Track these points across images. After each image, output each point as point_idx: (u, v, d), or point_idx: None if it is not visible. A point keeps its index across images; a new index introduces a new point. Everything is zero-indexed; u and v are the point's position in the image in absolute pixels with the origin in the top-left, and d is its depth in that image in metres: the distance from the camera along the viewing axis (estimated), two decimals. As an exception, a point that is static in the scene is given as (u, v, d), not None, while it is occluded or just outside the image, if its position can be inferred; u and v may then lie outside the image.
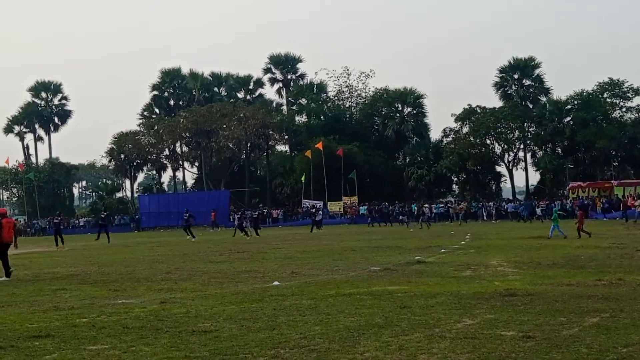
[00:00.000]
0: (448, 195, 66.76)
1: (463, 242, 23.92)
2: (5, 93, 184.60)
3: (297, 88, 70.63)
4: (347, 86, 68.25)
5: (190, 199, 60.96)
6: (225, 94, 75.38)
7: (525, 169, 61.93)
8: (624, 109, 59.64)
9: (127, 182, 78.44)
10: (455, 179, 64.87)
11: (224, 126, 64.67)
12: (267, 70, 72.26)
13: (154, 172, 79.94)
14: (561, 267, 14.43)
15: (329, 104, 68.65)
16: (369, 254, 19.77)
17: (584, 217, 25.78)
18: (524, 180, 63.93)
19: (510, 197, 59.64)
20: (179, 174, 77.23)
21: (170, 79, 74.13)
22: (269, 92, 74.13)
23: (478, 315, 8.49)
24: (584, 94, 59.34)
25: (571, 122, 58.45)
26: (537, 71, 62.55)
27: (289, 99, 71.96)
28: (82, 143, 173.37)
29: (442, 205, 53.80)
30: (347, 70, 68.24)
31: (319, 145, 57.21)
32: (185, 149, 72.38)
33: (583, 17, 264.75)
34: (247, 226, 35.75)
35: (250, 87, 74.30)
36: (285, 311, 9.22)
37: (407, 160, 65.82)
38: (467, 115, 61.05)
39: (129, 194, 79.18)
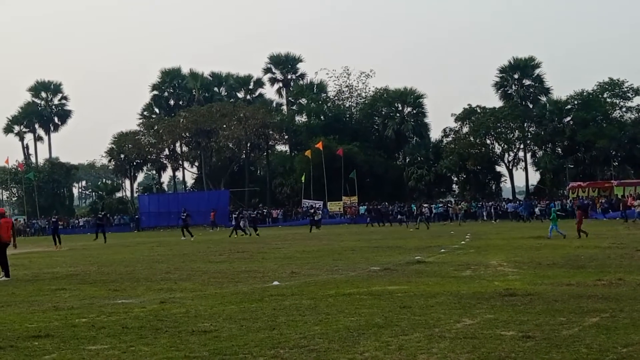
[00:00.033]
0: (448, 195, 66.73)
1: (463, 242, 23.91)
2: (5, 93, 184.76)
3: (297, 88, 70.63)
4: (347, 86, 68.34)
5: (190, 199, 61.04)
6: (225, 93, 75.37)
7: (525, 169, 62.00)
8: (624, 109, 59.73)
9: (127, 182, 78.51)
10: (455, 179, 64.87)
11: (224, 126, 64.66)
12: (267, 70, 72.27)
13: (154, 172, 79.96)
14: (561, 267, 14.43)
15: (329, 104, 68.65)
16: (368, 253, 19.77)
17: (582, 217, 25.75)
18: (524, 180, 64.05)
19: (510, 197, 59.61)
20: (179, 174, 77.37)
21: (170, 79, 74.11)
22: (269, 92, 74.25)
23: (478, 315, 8.49)
24: (584, 93, 59.35)
25: (571, 122, 58.46)
26: (537, 71, 62.56)
27: (289, 98, 71.96)
28: (82, 143, 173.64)
29: (441, 205, 53.80)
30: (347, 70, 68.36)
31: (319, 145, 57.20)
32: (185, 148, 72.38)
33: (583, 17, 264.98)
34: (246, 225, 35.74)
35: (250, 87, 74.29)
36: (285, 311, 9.21)
37: (407, 160, 65.82)
38: (467, 115, 61.05)
39: (128, 193, 79.27)
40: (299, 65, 72.30)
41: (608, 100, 59.72)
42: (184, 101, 74.64)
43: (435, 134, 67.25)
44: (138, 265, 18.35)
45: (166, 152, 71.35)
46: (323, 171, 56.33)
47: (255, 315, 8.99)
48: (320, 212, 49.08)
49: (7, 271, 15.52)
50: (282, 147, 73.86)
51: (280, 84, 72.41)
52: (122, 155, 70.11)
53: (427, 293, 10.64)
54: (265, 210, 59.30)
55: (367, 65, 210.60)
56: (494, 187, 63.54)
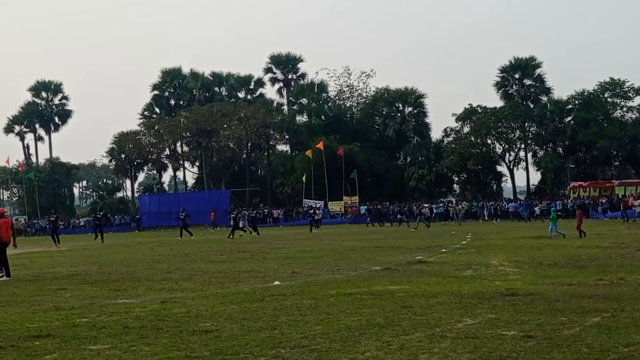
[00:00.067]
0: (449, 195, 66.75)
1: (464, 242, 23.90)
2: (5, 93, 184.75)
3: (297, 88, 70.65)
4: (347, 86, 68.40)
5: (191, 199, 61.06)
6: (226, 93, 75.39)
7: (526, 168, 61.99)
8: (625, 109, 59.72)
9: (128, 182, 78.57)
10: (456, 178, 64.89)
11: (225, 126, 64.69)
12: (267, 70, 72.32)
13: (155, 171, 79.99)
14: (562, 266, 14.42)
15: (329, 104, 68.67)
16: (369, 253, 19.76)
17: (582, 217, 25.73)
18: (525, 180, 64.09)
19: (511, 197, 59.60)
20: (180, 174, 77.41)
21: (171, 79, 74.15)
22: (270, 91, 74.32)
23: (479, 314, 8.49)
24: (585, 93, 59.36)
25: (572, 122, 58.45)
26: (538, 71, 62.57)
27: (290, 98, 71.99)
28: (82, 143, 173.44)
29: (441, 205, 53.80)
30: (348, 70, 68.43)
31: (320, 145, 57.20)
32: (185, 148, 72.39)
33: (583, 17, 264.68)
34: (246, 225, 35.73)
35: (251, 86, 74.32)
36: (286, 311, 9.21)
37: (408, 160, 65.87)
38: (468, 115, 61.07)
39: (129, 193, 79.32)
40: (300, 65, 72.45)
41: (609, 100, 59.71)
42: (184, 101, 74.68)
43: (436, 134, 67.46)
44: (139, 265, 18.36)
45: (167, 152, 71.40)
46: (324, 171, 56.35)
47: (256, 315, 8.99)
48: (320, 212, 49.08)
49: (8, 271, 15.53)
50: (282, 147, 74.00)
51: (281, 84, 72.46)
52: (123, 155, 70.16)
53: (428, 293, 10.64)
54: (266, 210, 59.31)
55: (368, 65, 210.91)
56: (495, 187, 63.55)
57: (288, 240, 29.39)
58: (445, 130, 63.62)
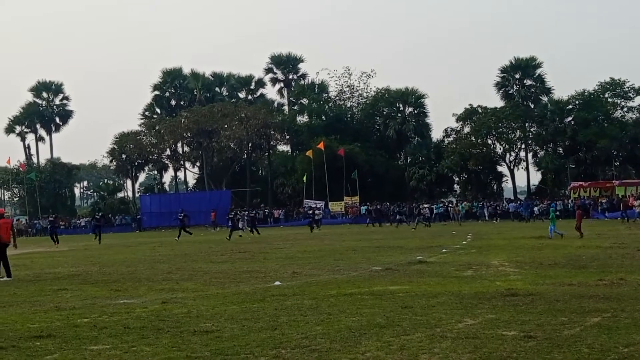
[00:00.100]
0: (449, 195, 66.73)
1: (464, 242, 23.91)
2: (6, 93, 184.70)
3: (298, 88, 70.64)
4: (348, 86, 68.34)
5: (192, 199, 61.08)
6: (227, 94, 75.35)
7: (527, 168, 61.94)
8: (625, 109, 59.64)
9: (129, 182, 78.60)
10: (457, 179, 64.84)
11: (226, 126, 64.65)
12: (268, 70, 72.28)
13: (155, 172, 79.98)
14: (562, 267, 14.43)
15: (330, 104, 68.63)
16: (370, 253, 19.77)
17: (582, 217, 25.71)
18: (526, 180, 64.06)
19: (512, 197, 59.59)
20: (180, 174, 77.37)
21: (172, 79, 74.12)
22: (271, 92, 74.21)
23: (479, 315, 8.49)
24: (585, 93, 59.31)
25: (572, 122, 58.40)
26: (538, 71, 62.50)
27: (291, 99, 71.96)
28: (83, 143, 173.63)
29: (441, 205, 53.76)
30: (348, 70, 68.36)
31: (321, 145, 57.19)
32: (186, 149, 72.36)
33: (584, 17, 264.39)
34: (245, 226, 35.56)
35: (252, 87, 74.25)
36: (286, 311, 9.22)
37: (408, 160, 65.83)
38: (469, 115, 61.04)
39: (130, 194, 79.36)
40: (300, 65, 72.39)
41: (609, 100, 59.66)
42: (185, 101, 74.65)
43: (436, 134, 67.34)
44: (140, 266, 18.37)
45: (167, 152, 71.38)
46: (324, 171, 56.35)
47: (256, 315, 9.00)
48: (320, 212, 49.05)
49: (9, 271, 15.54)
50: (283, 147, 73.92)
51: (282, 84, 72.44)
52: (124, 156, 70.15)
53: (429, 293, 10.65)
54: (266, 211, 59.31)
55: (368, 65, 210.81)
56: (495, 187, 63.53)
57: (289, 241, 29.40)
58: (445, 130, 63.64)
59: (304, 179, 57.88)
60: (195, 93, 73.24)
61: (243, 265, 17.25)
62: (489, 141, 60.60)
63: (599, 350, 6.43)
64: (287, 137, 68.94)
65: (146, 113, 75.06)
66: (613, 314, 8.27)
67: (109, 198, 75.74)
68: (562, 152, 60.37)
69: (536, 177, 63.72)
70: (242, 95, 74.61)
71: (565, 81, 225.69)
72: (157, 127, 68.36)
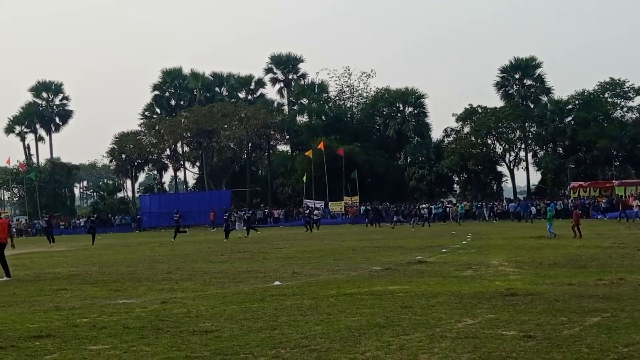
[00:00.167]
0: (449, 195, 66.75)
1: (464, 242, 23.91)
2: (6, 93, 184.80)
3: (298, 88, 70.67)
4: (348, 86, 68.42)
5: (192, 199, 61.17)
6: (227, 93, 75.40)
7: (527, 168, 61.99)
8: (625, 109, 59.75)
9: (128, 182, 78.59)
10: (457, 178, 64.89)
11: (225, 126, 64.67)
12: (268, 70, 72.34)
13: (155, 172, 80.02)
14: (562, 266, 14.43)
15: (330, 104, 68.67)
16: (370, 253, 19.77)
17: (579, 217, 25.66)
18: (525, 180, 64.09)
19: (512, 197, 59.60)
20: (180, 174, 77.41)
21: (172, 79, 74.16)
22: (270, 92, 74.32)
23: (479, 314, 8.49)
24: (585, 93, 59.38)
25: (572, 122, 58.48)
26: (538, 71, 62.58)
27: (290, 99, 72.00)
28: (83, 143, 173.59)
29: (439, 205, 53.74)
30: (348, 70, 68.48)
31: (320, 145, 57.21)
32: (186, 149, 72.40)
33: (584, 17, 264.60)
34: (240, 226, 35.23)
35: (252, 87, 74.32)
36: (286, 311, 9.22)
37: (408, 160, 65.87)
38: (468, 115, 61.07)
39: (130, 194, 79.34)
40: (300, 65, 72.47)
41: (609, 100, 59.73)
42: (185, 101, 74.69)
43: (436, 134, 67.53)
44: (139, 266, 18.37)
45: (167, 152, 71.42)
46: (324, 171, 56.36)
47: (256, 315, 9.00)
48: (319, 212, 49.02)
49: (8, 271, 15.53)
50: (283, 147, 74.00)
51: (282, 84, 72.49)
52: (124, 156, 70.18)
53: (429, 293, 10.65)
54: (266, 210, 59.32)
55: (368, 65, 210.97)
56: (495, 187, 63.54)
57: (288, 241, 29.40)
58: (445, 130, 63.72)
59: (304, 179, 57.89)
60: (195, 93, 73.28)
61: (243, 265, 17.25)
62: (489, 141, 60.64)
63: (598, 350, 6.43)
64: (287, 137, 68.99)
65: (146, 113, 75.11)
66: (612, 314, 8.27)
67: (108, 198, 75.80)
68: (561, 152, 60.42)
69: (536, 177, 63.90)
70: (242, 95, 74.67)
71: (565, 81, 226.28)
72: (157, 127, 68.39)
